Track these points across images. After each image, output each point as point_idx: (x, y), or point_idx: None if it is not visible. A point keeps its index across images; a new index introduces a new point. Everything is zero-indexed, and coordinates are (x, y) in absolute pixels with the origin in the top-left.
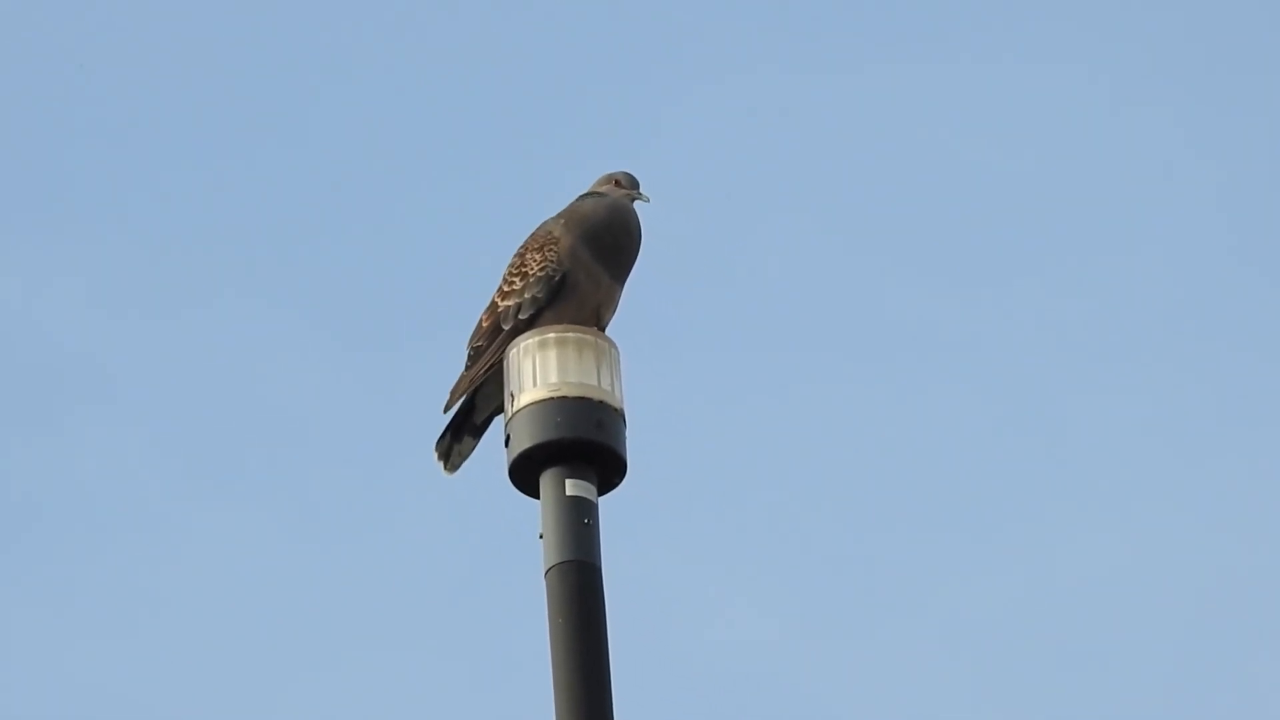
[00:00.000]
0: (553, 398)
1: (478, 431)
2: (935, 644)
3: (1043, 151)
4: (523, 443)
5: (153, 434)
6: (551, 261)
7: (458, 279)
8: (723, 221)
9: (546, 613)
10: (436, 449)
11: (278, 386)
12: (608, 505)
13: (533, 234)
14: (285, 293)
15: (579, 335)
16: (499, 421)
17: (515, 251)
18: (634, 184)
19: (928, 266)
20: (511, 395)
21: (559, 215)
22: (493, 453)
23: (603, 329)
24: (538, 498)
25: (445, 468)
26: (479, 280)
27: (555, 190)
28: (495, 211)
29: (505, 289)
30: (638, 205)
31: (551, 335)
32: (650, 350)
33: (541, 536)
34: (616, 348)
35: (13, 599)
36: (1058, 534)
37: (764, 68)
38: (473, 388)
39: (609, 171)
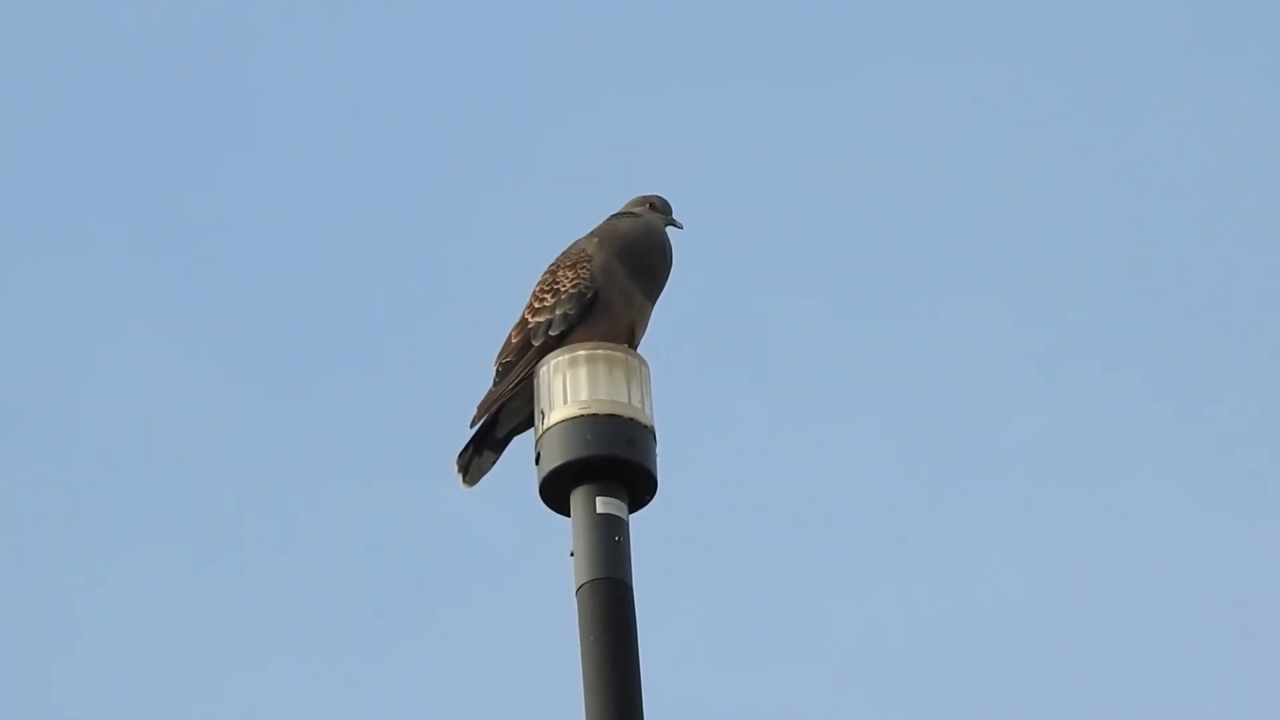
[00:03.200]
0: (583, 415)
1: (499, 446)
2: (842, 666)
3: (949, 172)
4: (553, 460)
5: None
6: (584, 279)
7: (381, 311)
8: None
9: (578, 630)
10: (457, 462)
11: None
12: (638, 523)
13: (565, 251)
14: (211, 326)
15: (609, 352)
16: (521, 438)
17: (546, 268)
18: (668, 209)
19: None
20: (542, 413)
21: (592, 233)
22: (523, 470)
23: (635, 348)
24: (569, 515)
25: (464, 481)
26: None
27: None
28: (423, 244)
29: (536, 305)
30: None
31: (582, 352)
32: (681, 367)
33: (572, 554)
34: (647, 365)
35: None
36: (962, 555)
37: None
38: (500, 404)
39: (642, 194)
